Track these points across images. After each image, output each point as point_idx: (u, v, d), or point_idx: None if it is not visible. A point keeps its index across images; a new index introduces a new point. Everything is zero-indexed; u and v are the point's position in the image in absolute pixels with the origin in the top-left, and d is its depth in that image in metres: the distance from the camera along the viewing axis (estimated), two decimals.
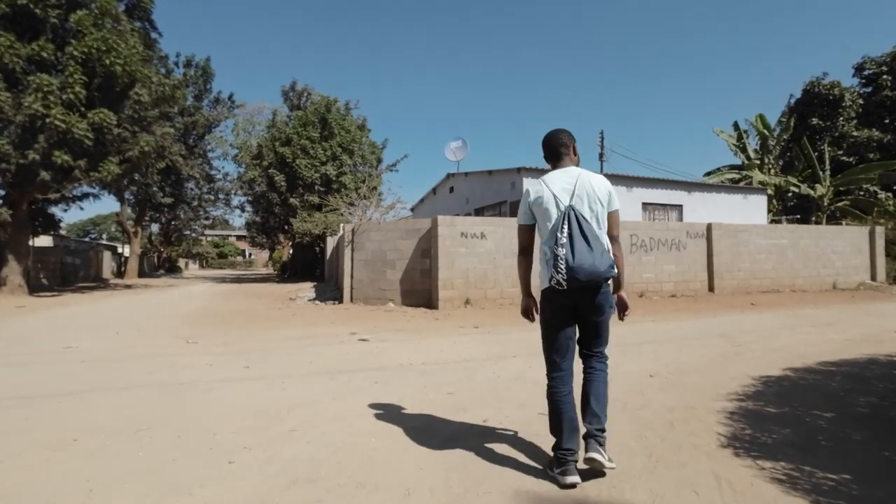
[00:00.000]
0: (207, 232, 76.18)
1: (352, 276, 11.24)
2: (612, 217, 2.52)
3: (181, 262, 55.07)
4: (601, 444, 2.33)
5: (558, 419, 2.40)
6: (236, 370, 4.92)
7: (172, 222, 41.42)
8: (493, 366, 5.02)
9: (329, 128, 23.78)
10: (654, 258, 11.94)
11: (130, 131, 17.48)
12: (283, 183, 22.10)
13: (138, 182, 20.58)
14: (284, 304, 12.08)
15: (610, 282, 2.45)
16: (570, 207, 2.39)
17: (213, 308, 11.45)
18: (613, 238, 2.50)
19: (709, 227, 12.60)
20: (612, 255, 2.41)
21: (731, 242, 12.79)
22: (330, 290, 14.33)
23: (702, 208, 15.96)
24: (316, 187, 21.89)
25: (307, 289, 16.16)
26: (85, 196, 19.45)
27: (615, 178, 14.88)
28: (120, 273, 31.86)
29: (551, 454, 2.43)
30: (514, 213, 14.14)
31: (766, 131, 22.12)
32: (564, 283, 2.28)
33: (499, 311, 9.61)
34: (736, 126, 23.21)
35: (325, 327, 7.96)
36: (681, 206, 16.02)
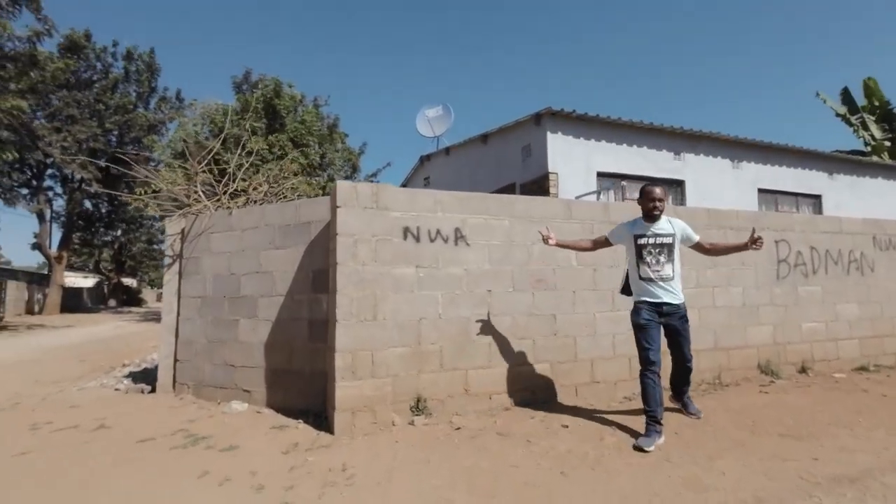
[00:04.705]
0: None
1: (176, 333, 5.14)
2: None
3: (149, 293, 49.24)
4: None
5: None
6: None
7: (127, 246, 35.72)
8: None
9: (279, 118, 18.17)
10: (821, 289, 5.80)
11: None
12: (207, 187, 16.24)
13: None
14: (75, 384, 5.96)
15: None
16: None
17: None
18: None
19: None
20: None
21: None
22: None
23: (851, 200, 9.75)
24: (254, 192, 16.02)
25: None
26: None
27: (709, 142, 8.91)
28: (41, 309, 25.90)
29: None
30: (530, 192, 7.99)
31: (883, 100, 15.83)
32: None
33: (511, 448, 3.42)
34: (846, 95, 16.53)
35: None
36: (818, 196, 9.83)
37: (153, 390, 5.16)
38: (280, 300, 4.48)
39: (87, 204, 27.26)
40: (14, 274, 26.22)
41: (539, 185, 7.99)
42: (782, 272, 5.63)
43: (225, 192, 6.01)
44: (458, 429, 3.67)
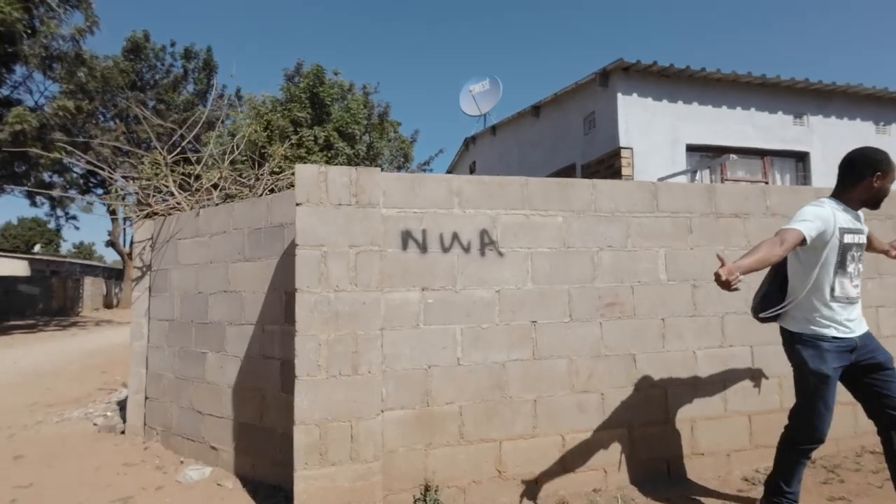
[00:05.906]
0: None
1: (146, 365, 4.18)
2: None
3: None
4: None
5: None
6: None
7: None
8: None
9: (323, 107, 17.48)
10: None
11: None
12: (250, 182, 15.83)
13: (38, 180, 14.97)
14: (63, 411, 5.27)
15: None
16: None
17: None
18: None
19: None
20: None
21: None
22: None
23: None
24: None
25: None
26: None
27: (844, 98, 6.88)
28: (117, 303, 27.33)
29: None
30: (594, 176, 6.43)
31: None
32: None
33: None
34: None
35: None
36: None
37: (122, 432, 4.26)
38: (250, 330, 3.34)
39: None
40: (94, 270, 27.76)
41: (607, 166, 6.31)
42: None
43: (210, 185, 4.95)
44: None
